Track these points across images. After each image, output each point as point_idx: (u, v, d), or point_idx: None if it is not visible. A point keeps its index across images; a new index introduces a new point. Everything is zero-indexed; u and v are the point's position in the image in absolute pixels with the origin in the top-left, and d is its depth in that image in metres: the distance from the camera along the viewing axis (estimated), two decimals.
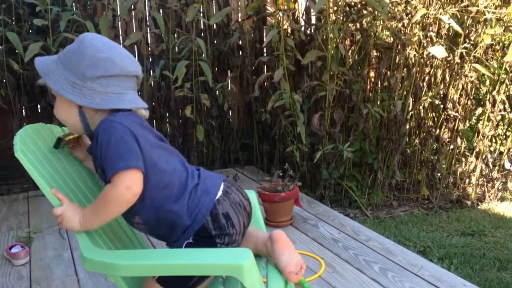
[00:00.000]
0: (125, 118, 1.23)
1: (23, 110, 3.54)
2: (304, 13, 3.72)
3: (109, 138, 1.19)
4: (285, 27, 3.54)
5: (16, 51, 3.20)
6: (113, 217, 1.27)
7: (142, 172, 1.20)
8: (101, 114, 1.26)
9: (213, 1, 3.94)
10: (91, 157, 1.35)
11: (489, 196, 3.66)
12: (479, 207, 3.53)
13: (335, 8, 3.37)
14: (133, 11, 3.77)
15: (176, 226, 1.27)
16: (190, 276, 1.28)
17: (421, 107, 3.55)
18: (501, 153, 3.88)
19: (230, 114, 4.15)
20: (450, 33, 3.46)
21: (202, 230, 1.26)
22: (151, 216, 1.27)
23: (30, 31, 3.41)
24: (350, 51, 3.51)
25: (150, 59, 3.76)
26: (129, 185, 1.17)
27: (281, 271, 1.31)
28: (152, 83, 3.84)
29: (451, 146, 3.60)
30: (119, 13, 3.68)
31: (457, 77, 3.45)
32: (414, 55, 3.39)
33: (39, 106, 3.57)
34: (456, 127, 3.54)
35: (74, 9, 3.44)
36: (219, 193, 1.30)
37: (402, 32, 3.38)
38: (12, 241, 2.58)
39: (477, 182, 3.66)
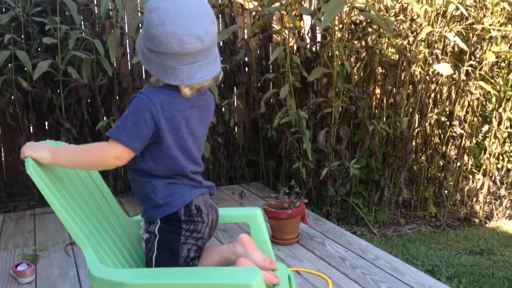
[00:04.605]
0: (159, 93, 1.29)
1: (31, 127, 3.56)
2: (310, 30, 3.75)
3: (131, 107, 1.28)
4: (291, 44, 3.56)
5: (25, 69, 3.23)
6: (85, 168, 1.39)
7: (132, 152, 1.28)
8: (160, 82, 1.33)
9: (220, 19, 3.98)
10: None
11: (497, 214, 3.62)
12: (487, 225, 3.50)
13: (341, 25, 3.40)
14: (140, 29, 3.80)
15: (148, 198, 1.36)
16: None
17: (427, 124, 3.54)
18: (508, 170, 3.85)
19: (236, 131, 4.16)
20: (455, 51, 3.48)
21: (173, 213, 1.35)
22: (135, 176, 1.38)
23: (39, 49, 3.45)
24: (355, 68, 3.53)
25: None
26: (119, 156, 1.27)
27: (260, 265, 1.39)
28: None
29: (458, 163, 3.59)
30: (127, 31, 3.72)
31: (463, 94, 3.45)
32: (420, 72, 3.40)
33: (46, 123, 3.60)
34: (462, 144, 3.53)
35: (82, 27, 3.48)
36: (198, 195, 1.39)
37: (408, 49, 3.40)
38: (18, 259, 2.57)
39: (484, 199, 3.63)
